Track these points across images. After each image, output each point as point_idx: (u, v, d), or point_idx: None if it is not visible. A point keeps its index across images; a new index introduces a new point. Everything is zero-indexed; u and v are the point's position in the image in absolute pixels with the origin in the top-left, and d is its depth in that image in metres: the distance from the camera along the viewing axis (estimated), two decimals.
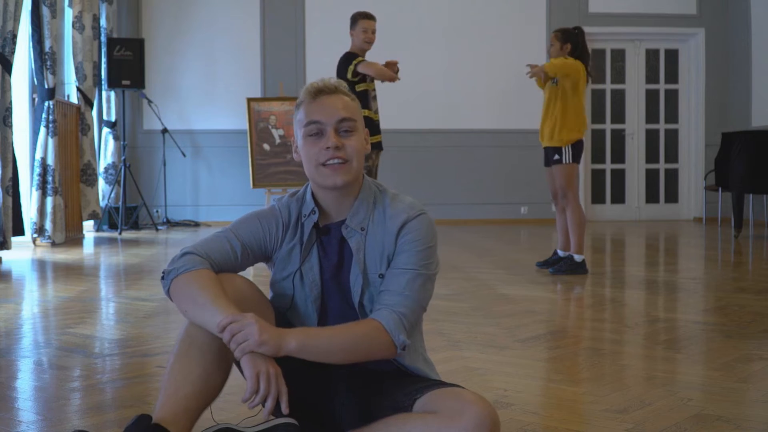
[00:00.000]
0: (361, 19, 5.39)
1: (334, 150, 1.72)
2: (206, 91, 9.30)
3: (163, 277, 1.72)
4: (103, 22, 8.48)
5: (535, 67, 5.09)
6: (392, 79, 5.33)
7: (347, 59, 5.31)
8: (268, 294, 1.89)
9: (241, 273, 1.82)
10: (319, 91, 1.76)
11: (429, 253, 1.75)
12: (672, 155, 10.08)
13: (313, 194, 1.81)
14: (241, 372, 1.77)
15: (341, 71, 5.29)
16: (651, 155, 10.06)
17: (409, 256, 1.73)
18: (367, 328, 1.66)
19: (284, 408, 1.56)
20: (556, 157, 5.14)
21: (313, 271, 1.79)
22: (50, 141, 6.95)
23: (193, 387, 1.60)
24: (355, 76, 5.24)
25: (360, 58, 5.28)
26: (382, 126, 5.64)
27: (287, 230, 1.81)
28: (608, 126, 9.99)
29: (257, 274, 4.75)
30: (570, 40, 5.15)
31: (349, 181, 1.75)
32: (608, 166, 10.02)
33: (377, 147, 5.46)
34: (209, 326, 1.60)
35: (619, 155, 10.03)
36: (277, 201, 1.87)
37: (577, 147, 5.12)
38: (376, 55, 5.49)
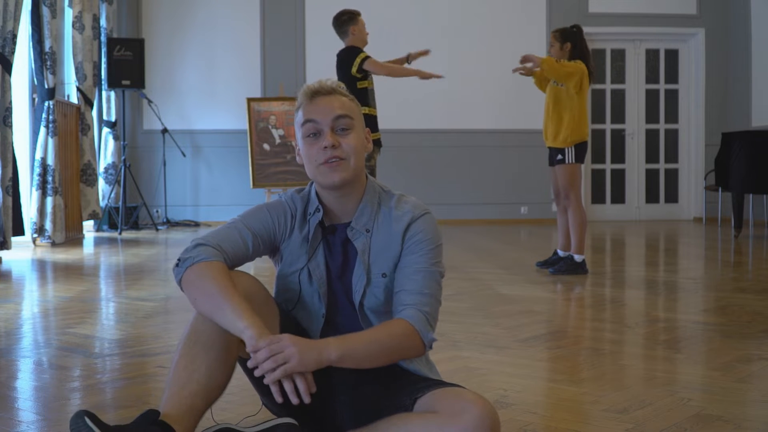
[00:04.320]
0: (359, 16, 5.44)
1: (332, 149, 1.72)
2: (206, 91, 9.30)
3: (177, 265, 1.72)
4: (103, 22, 8.49)
5: (531, 58, 5.08)
6: (410, 75, 5.34)
7: (351, 53, 5.24)
8: (273, 288, 1.89)
9: (241, 270, 1.82)
10: (316, 92, 1.77)
11: (438, 252, 1.78)
12: (672, 155, 10.08)
13: (317, 194, 1.82)
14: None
15: (346, 64, 5.20)
16: (651, 155, 10.06)
17: (420, 256, 1.75)
18: (401, 330, 1.67)
19: (304, 392, 1.55)
20: (559, 157, 5.12)
21: (320, 269, 1.80)
22: (50, 141, 6.95)
23: (198, 385, 1.60)
24: (360, 72, 5.20)
25: (364, 54, 5.22)
26: (382, 126, 5.63)
27: (296, 220, 1.82)
28: (608, 126, 9.99)
29: (257, 274, 4.74)
30: (569, 39, 5.13)
31: (348, 179, 1.75)
32: (608, 166, 10.02)
33: (376, 144, 5.44)
34: (217, 318, 1.60)
35: (619, 155, 10.03)
36: (281, 194, 1.88)
37: (580, 148, 5.10)
38: (378, 55, 5.45)
